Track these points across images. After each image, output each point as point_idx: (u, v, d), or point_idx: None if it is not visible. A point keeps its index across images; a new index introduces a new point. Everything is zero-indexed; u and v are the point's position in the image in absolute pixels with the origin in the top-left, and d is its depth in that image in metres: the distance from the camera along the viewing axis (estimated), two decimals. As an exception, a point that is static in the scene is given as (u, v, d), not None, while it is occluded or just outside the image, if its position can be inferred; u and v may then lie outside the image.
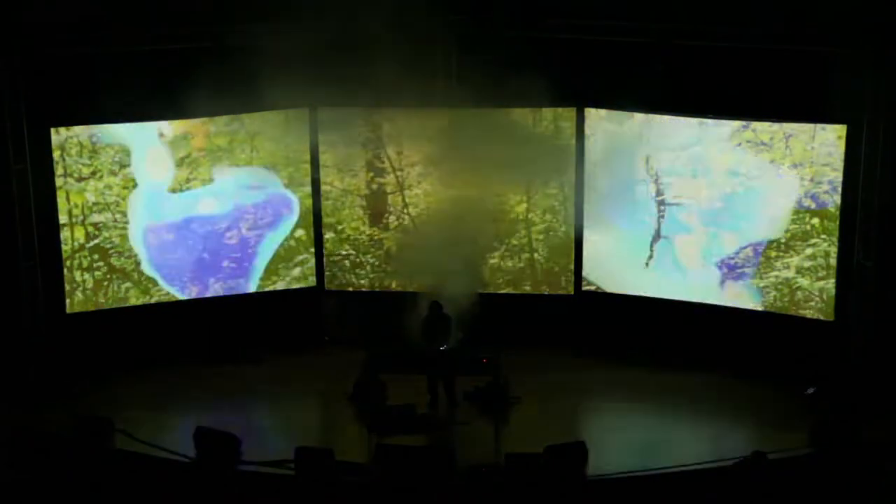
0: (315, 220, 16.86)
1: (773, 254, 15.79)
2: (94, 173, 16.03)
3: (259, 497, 13.32)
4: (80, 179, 15.98)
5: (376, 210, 16.93)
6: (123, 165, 16.10)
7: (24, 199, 15.42)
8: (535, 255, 16.85)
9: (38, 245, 15.62)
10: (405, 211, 16.87)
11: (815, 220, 15.49)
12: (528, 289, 16.88)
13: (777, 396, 15.23)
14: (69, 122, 15.75)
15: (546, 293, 16.84)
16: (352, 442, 14.21)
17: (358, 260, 17.04)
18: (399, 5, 15.03)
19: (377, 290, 17.02)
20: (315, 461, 13.26)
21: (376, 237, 17.00)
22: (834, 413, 14.40)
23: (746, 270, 15.95)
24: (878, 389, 14.82)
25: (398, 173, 16.79)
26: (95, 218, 16.11)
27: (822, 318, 15.52)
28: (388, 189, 16.86)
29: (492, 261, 16.86)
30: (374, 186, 16.87)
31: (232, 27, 15.55)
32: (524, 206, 16.75)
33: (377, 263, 17.03)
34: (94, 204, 16.09)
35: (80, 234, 16.08)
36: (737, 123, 15.67)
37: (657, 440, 14.27)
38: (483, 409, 14.93)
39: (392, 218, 16.91)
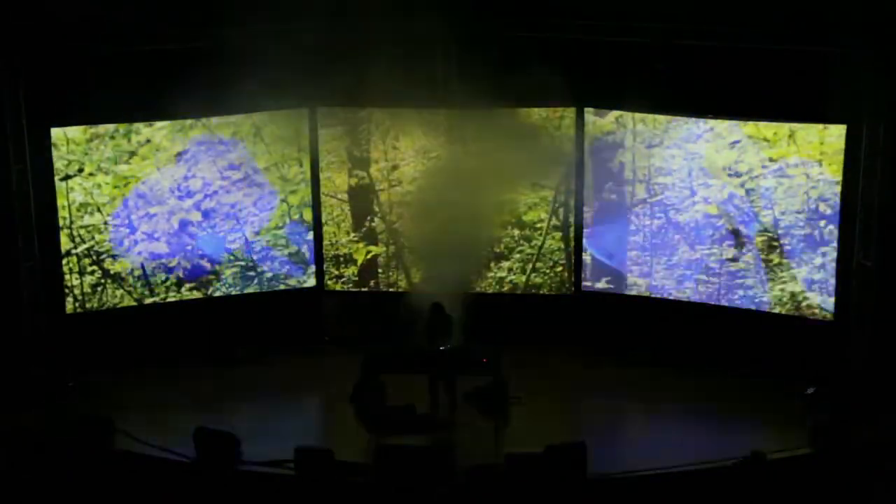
0: (315, 220, 16.84)
1: (777, 260, 15.74)
2: (80, 171, 15.88)
3: (259, 497, 13.32)
4: (65, 178, 15.78)
5: (359, 212, 16.86)
6: (117, 162, 15.96)
7: (24, 199, 15.42)
8: (563, 270, 16.71)
9: (38, 245, 15.62)
10: (391, 212, 16.76)
11: (831, 227, 15.27)
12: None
13: (777, 396, 15.24)
14: (69, 122, 15.72)
15: (546, 293, 16.84)
16: (352, 442, 14.19)
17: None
18: (399, 5, 15.04)
19: (377, 290, 17.04)
20: (315, 461, 13.27)
21: (345, 249, 16.89)
22: (834, 413, 14.39)
23: (748, 281, 15.85)
24: (878, 389, 14.82)
25: (388, 172, 16.68)
26: (87, 220, 16.00)
27: (822, 318, 15.50)
28: (377, 187, 16.78)
29: (501, 274, 16.81)
30: (353, 182, 16.74)
31: (230, 27, 15.52)
32: (540, 209, 16.61)
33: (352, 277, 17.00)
34: (83, 205, 15.93)
35: (63, 238, 15.84)
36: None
37: (657, 440, 14.27)
38: (483, 409, 14.92)
39: (378, 220, 16.81)
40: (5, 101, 15.11)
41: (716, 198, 15.85)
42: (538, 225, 16.63)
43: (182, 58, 15.57)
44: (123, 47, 15.41)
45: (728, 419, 14.77)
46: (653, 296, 16.36)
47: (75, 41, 15.21)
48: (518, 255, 16.73)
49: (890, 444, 13.76)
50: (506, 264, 16.76)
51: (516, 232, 16.69)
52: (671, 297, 16.27)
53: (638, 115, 15.98)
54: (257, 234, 16.68)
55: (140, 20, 15.34)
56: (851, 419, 14.08)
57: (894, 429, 14.13)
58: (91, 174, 15.88)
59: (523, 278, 16.74)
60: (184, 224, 16.38)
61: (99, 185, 15.95)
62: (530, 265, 16.71)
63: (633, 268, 16.44)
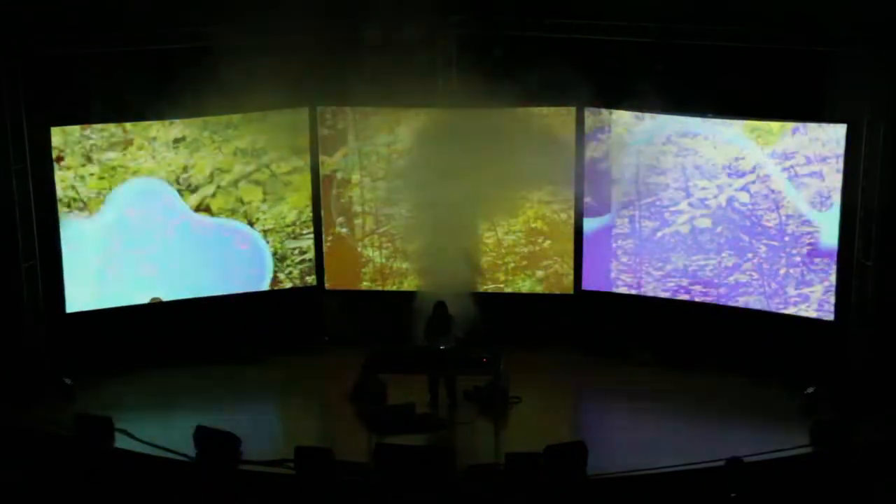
0: (315, 219, 16.82)
1: (784, 271, 15.60)
2: (59, 159, 15.57)
3: (259, 497, 13.32)
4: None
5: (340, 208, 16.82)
6: (102, 149, 15.73)
7: (24, 199, 15.41)
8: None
9: (38, 245, 15.61)
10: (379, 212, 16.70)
11: (835, 232, 14.99)
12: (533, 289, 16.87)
13: (777, 396, 15.24)
14: (69, 122, 15.70)
15: (546, 293, 16.82)
16: (352, 442, 14.19)
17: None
18: (399, 5, 15.05)
19: (377, 289, 17.04)
20: (315, 461, 13.27)
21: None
22: (834, 413, 14.40)
23: (748, 299, 15.77)
24: (878, 389, 14.82)
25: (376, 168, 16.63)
26: (74, 217, 15.76)
27: (822, 318, 15.49)
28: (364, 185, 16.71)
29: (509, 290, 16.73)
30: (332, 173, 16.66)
31: (231, 26, 15.52)
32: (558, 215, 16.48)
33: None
34: (71, 200, 15.70)
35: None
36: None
37: (657, 440, 14.27)
38: (483, 409, 14.92)
39: (364, 218, 16.76)
40: (5, 101, 15.11)
41: (714, 200, 15.83)
42: (562, 229, 16.49)
43: (181, 58, 15.56)
44: (123, 47, 15.40)
45: (728, 419, 14.77)
46: (653, 295, 16.34)
47: (75, 41, 15.21)
48: (539, 272, 16.64)
49: (890, 443, 13.77)
50: (520, 280, 16.70)
51: (540, 240, 16.61)
52: (670, 297, 16.26)
53: (626, 112, 15.91)
54: (265, 233, 16.65)
55: (139, 20, 15.35)
56: (851, 419, 14.08)
57: (894, 429, 14.14)
58: (82, 164, 15.72)
59: (539, 287, 16.70)
60: (187, 224, 16.35)
61: (83, 178, 15.72)
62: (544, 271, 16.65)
63: (623, 276, 16.39)
